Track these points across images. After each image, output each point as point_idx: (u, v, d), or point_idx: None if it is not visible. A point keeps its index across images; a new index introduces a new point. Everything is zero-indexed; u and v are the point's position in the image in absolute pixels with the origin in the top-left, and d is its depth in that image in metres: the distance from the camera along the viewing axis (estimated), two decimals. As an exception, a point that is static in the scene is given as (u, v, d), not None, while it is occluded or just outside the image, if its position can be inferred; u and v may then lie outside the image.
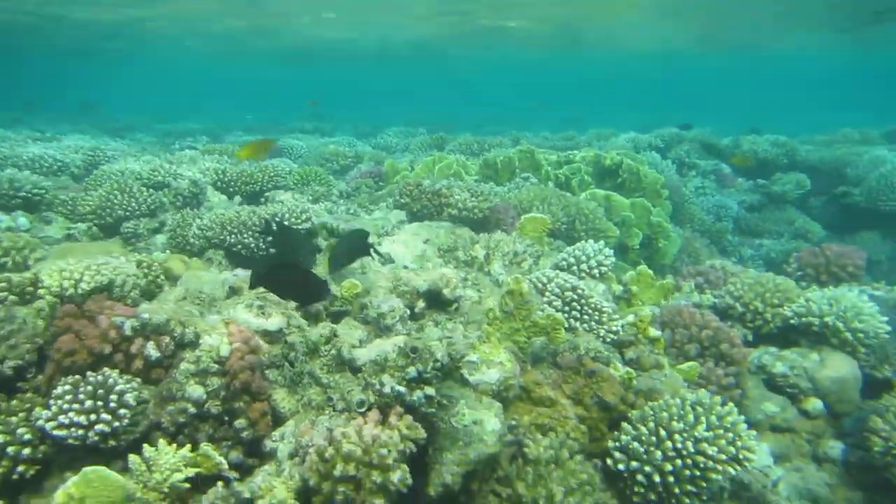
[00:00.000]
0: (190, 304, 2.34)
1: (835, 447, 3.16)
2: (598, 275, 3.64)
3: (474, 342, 2.61)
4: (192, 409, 1.86)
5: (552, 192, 5.60)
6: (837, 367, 3.25)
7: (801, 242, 8.76)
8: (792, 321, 3.42)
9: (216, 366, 1.93)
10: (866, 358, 3.49)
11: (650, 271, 4.41)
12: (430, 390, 2.10)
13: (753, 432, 2.57)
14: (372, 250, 2.96)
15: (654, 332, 3.05)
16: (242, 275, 2.62)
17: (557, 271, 3.06)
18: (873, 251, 8.97)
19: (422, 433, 1.95)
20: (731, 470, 2.47)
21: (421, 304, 2.85)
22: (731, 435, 2.48)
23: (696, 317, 3.34)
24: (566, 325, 2.86)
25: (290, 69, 38.46)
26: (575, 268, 3.62)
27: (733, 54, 28.22)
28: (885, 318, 3.35)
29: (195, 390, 1.87)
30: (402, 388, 2.01)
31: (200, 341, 2.01)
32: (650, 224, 6.50)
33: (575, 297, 2.88)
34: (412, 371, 2.09)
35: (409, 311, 2.79)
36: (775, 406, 3.20)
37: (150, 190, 4.82)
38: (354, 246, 2.92)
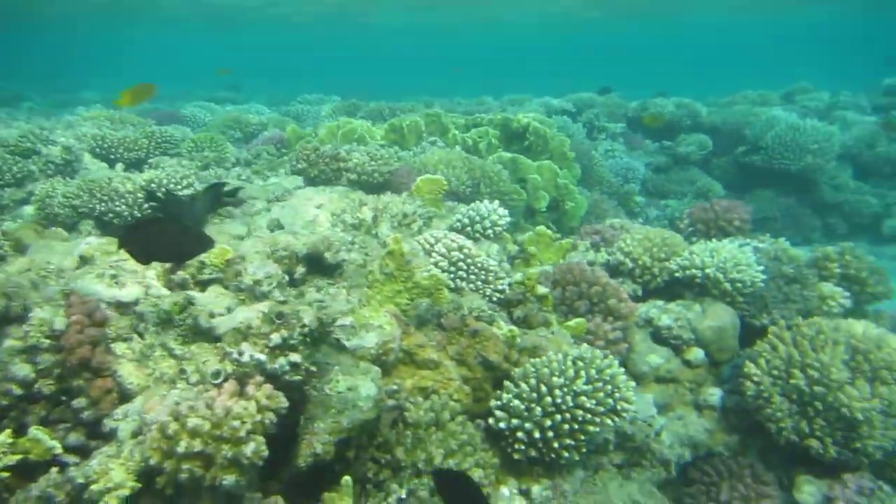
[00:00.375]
0: (29, 276, 2.14)
1: (714, 394, 3.31)
2: (492, 235, 3.63)
3: (354, 306, 2.54)
4: (17, 391, 1.70)
5: (457, 155, 5.54)
6: (717, 317, 3.38)
7: (702, 202, 9.13)
8: (677, 274, 3.52)
9: (48, 341, 1.77)
10: (747, 307, 3.65)
11: (549, 231, 4.45)
12: (295, 357, 2.01)
13: (632, 383, 2.63)
14: (228, 198, 2.82)
15: (541, 289, 3.07)
16: (95, 242, 2.43)
17: (445, 231, 3.01)
18: (768, 208, 9.48)
19: (283, 402, 1.86)
20: (609, 421, 2.52)
21: (301, 269, 2.74)
22: (609, 387, 2.53)
23: (586, 274, 3.38)
24: (452, 286, 2.83)
25: (207, 37, 36.60)
26: (469, 229, 3.59)
27: (654, 21, 28.94)
28: (761, 268, 3.50)
29: (21, 369, 1.70)
30: (262, 356, 1.92)
31: (30, 315, 1.83)
32: (557, 186, 6.57)
33: (461, 256, 2.84)
34: (276, 338, 2.00)
35: (287, 278, 2.68)
36: (660, 358, 3.30)
37: (17, 158, 4.43)
38: (209, 198, 2.77)
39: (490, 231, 3.61)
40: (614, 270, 3.83)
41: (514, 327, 2.59)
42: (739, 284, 3.41)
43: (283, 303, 2.36)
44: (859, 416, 2.74)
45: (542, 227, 4.47)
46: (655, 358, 3.31)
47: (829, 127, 8.97)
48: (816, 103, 10.63)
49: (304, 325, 2.07)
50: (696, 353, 3.37)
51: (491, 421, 2.45)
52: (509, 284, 2.97)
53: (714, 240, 3.90)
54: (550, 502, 2.48)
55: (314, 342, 2.13)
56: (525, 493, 2.46)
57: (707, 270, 3.41)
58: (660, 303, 3.55)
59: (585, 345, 2.72)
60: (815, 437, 2.91)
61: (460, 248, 2.85)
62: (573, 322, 3.10)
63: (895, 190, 9.36)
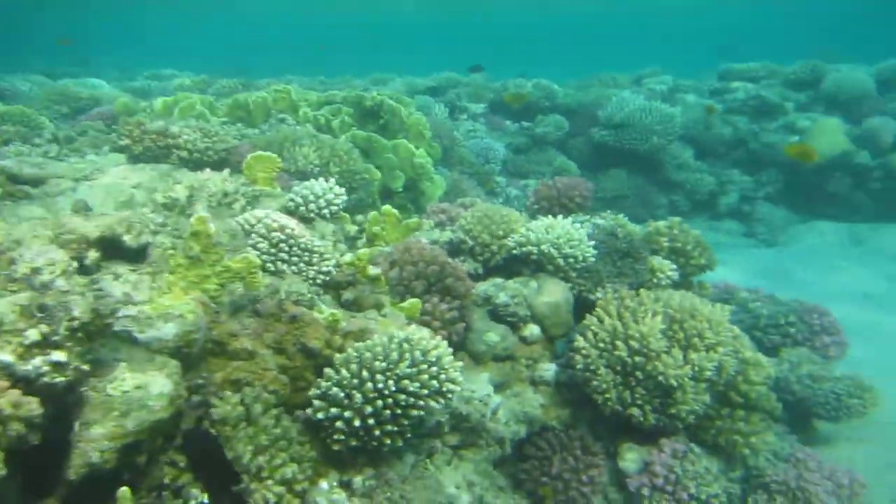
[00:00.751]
0: None
1: (548, 369, 3.38)
2: (328, 215, 3.46)
3: (151, 294, 2.29)
4: None
5: (304, 133, 5.29)
6: (552, 293, 3.45)
7: (560, 181, 9.47)
8: (514, 251, 3.55)
9: None
10: (583, 282, 3.76)
11: (394, 211, 4.36)
12: (59, 356, 1.76)
13: (459, 363, 2.59)
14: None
15: (373, 270, 2.96)
16: None
17: (268, 211, 2.81)
18: (621, 187, 10.03)
19: (35, 409, 1.61)
20: (434, 403, 2.47)
21: (94, 254, 2.44)
22: (434, 369, 2.47)
23: (423, 253, 3.31)
24: (272, 269, 2.65)
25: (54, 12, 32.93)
26: (303, 208, 3.40)
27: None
28: (592, 243, 3.62)
29: None
30: (7, 357, 1.65)
31: None
32: (414, 166, 6.50)
33: (283, 237, 2.66)
34: (33, 334, 1.73)
35: (76, 264, 2.38)
36: (496, 335, 3.31)
37: None
38: None
39: (326, 211, 3.44)
40: (457, 249, 3.80)
41: (336, 311, 2.46)
42: (572, 260, 3.50)
43: (65, 293, 2.08)
44: (673, 383, 2.90)
45: (387, 207, 4.37)
46: (493, 336, 3.32)
47: (671, 109, 9.60)
48: (661, 86, 11.34)
49: (73, 318, 1.82)
50: (532, 330, 3.42)
51: (309, 411, 2.31)
52: (337, 266, 2.83)
53: (560, 217, 3.99)
54: (374, 492, 2.39)
55: (89, 337, 1.88)
56: (347, 485, 2.36)
57: (542, 247, 3.46)
58: (499, 280, 3.57)
59: (413, 326, 2.65)
60: (636, 406, 3.04)
61: (282, 229, 2.67)
62: (407, 303, 3.03)
63: (728, 169, 10.21)
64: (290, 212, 3.40)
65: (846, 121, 9.73)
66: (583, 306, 3.68)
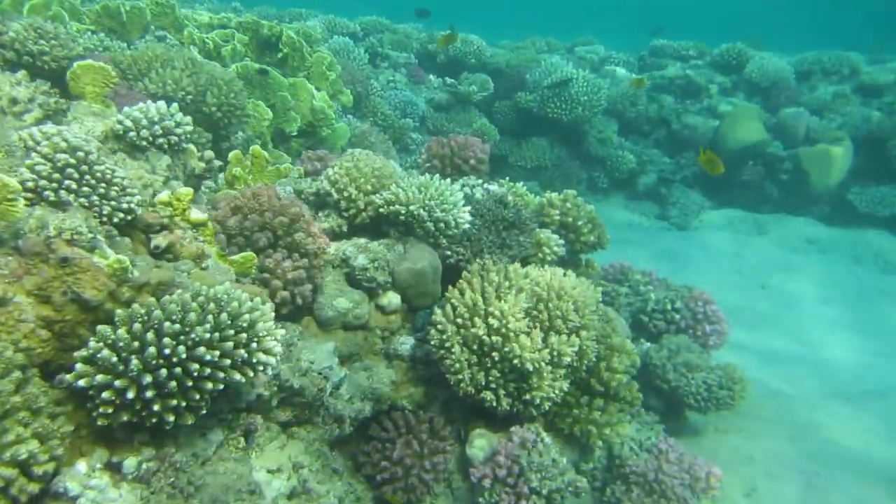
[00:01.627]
0: None
1: (405, 343, 3.10)
2: (165, 145, 3.00)
3: None
4: None
5: (179, 54, 4.71)
6: (417, 259, 3.15)
7: (485, 140, 9.17)
8: (381, 210, 3.22)
9: None
10: (460, 251, 3.49)
11: (265, 153, 3.93)
12: None
13: (280, 331, 2.26)
14: None
15: (195, 214, 2.56)
16: None
17: (62, 129, 2.34)
18: (541, 157, 9.84)
19: None
20: (238, 376, 2.13)
21: None
22: (244, 336, 2.13)
23: (273, 202, 2.93)
24: (52, 198, 2.20)
25: None
26: (132, 134, 2.92)
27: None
28: (468, 209, 3.33)
29: None
30: None
31: None
32: (313, 110, 6.03)
33: (73, 161, 2.21)
34: None
35: None
36: (348, 301, 2.99)
37: None
38: None
39: (163, 140, 2.98)
40: (322, 202, 3.43)
41: (122, 257, 2.06)
42: (443, 225, 3.20)
43: None
44: (529, 367, 2.67)
45: (256, 147, 3.93)
46: (344, 302, 2.99)
47: (598, 80, 9.41)
48: (592, 56, 11.15)
49: None
50: (392, 298, 3.12)
51: (69, 377, 1.92)
52: (149, 204, 2.41)
53: (437, 177, 3.67)
54: (154, 476, 2.05)
55: None
56: (116, 467, 2.00)
57: (411, 207, 3.14)
58: (362, 241, 3.24)
59: (227, 283, 2.28)
60: (490, 390, 2.81)
61: (72, 150, 2.21)
62: (239, 256, 2.65)
63: (650, 149, 10.19)
64: (117, 136, 2.93)
65: (765, 108, 9.84)
66: (458, 277, 3.41)
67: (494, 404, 2.82)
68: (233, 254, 2.78)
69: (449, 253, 3.48)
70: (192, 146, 3.22)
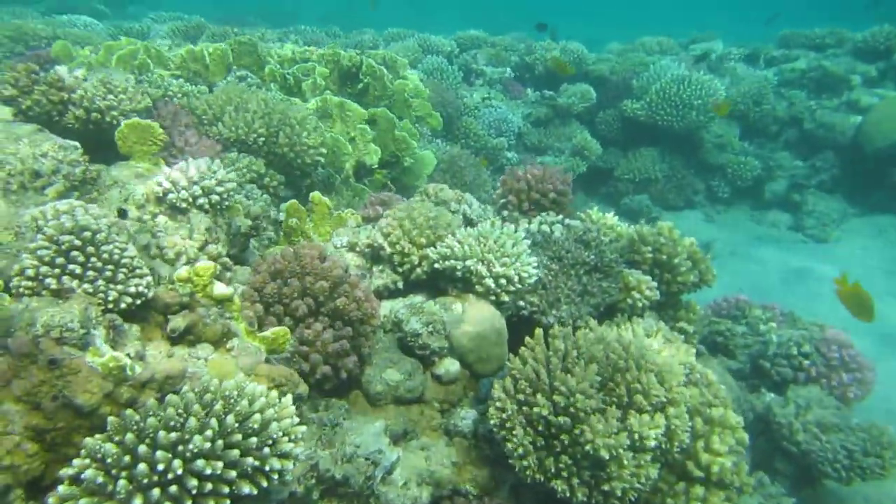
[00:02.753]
0: None
1: (466, 418, 2.75)
2: (206, 205, 2.86)
3: None
4: None
5: (253, 95, 4.68)
6: (477, 321, 2.79)
7: (578, 161, 8.65)
8: (437, 265, 2.89)
9: None
10: (534, 302, 3.09)
11: (325, 200, 3.74)
12: None
13: (300, 428, 2.00)
14: None
15: (220, 290, 2.36)
16: None
17: (76, 204, 2.21)
18: (650, 169, 9.13)
19: None
20: (247, 489, 1.88)
21: None
22: (255, 440, 1.88)
23: (314, 263, 2.69)
24: (53, 286, 2.06)
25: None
26: (173, 195, 2.80)
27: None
28: (534, 260, 2.92)
29: None
30: None
31: None
32: (396, 139, 5.85)
33: (78, 243, 2.06)
34: None
35: None
36: (400, 374, 2.69)
37: None
38: None
39: (204, 200, 2.84)
40: (377, 255, 3.17)
41: (119, 354, 1.87)
42: (504, 281, 2.82)
43: None
44: (604, 454, 2.23)
45: (317, 194, 3.75)
46: (395, 374, 2.69)
47: (714, 81, 8.59)
48: (707, 52, 10.24)
49: None
50: (449, 366, 2.79)
51: (51, 501, 1.74)
52: (148, 284, 2.21)
53: (533, 218, 3.32)
54: None
55: None
56: None
57: (468, 262, 2.79)
58: (418, 299, 2.93)
59: (241, 375, 2.04)
60: (561, 478, 2.39)
61: (80, 231, 2.06)
62: (270, 332, 2.42)
63: (778, 152, 9.17)
64: (158, 199, 2.82)
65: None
66: (532, 331, 3.01)
67: (568, 495, 2.40)
68: (271, 324, 2.57)
69: (522, 304, 3.10)
70: (238, 203, 3.07)
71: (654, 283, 3.35)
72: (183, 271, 2.31)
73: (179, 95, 4.85)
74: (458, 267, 2.81)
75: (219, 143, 4.25)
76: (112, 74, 3.77)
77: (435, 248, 2.91)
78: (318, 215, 3.70)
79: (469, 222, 3.56)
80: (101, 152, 3.28)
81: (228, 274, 2.86)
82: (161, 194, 2.81)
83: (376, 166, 5.61)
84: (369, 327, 2.73)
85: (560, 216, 3.70)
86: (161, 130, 3.12)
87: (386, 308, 2.94)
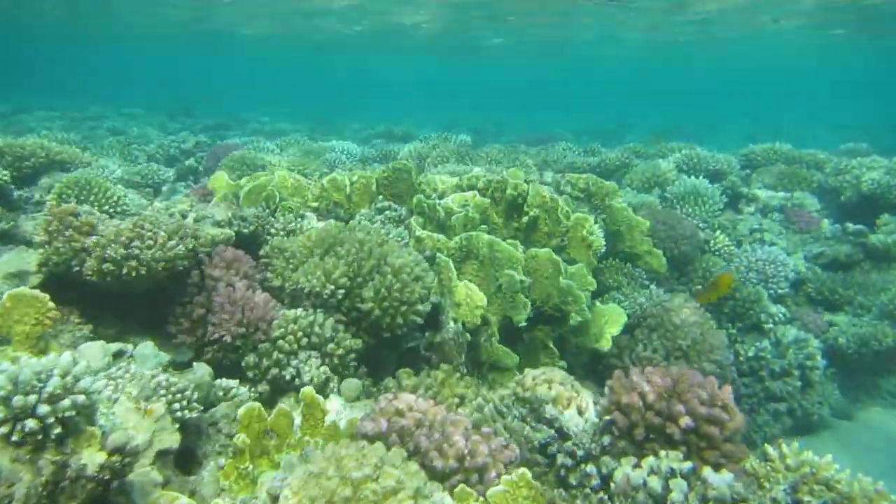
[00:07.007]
0: None
1: None
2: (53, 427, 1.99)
3: None
4: None
5: (351, 236, 4.00)
6: None
7: (887, 328, 6.11)
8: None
9: None
10: None
11: (321, 399, 2.74)
12: None
13: None
14: None
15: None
16: None
17: None
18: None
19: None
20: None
21: None
22: None
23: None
24: None
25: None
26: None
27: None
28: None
29: None
30: None
31: None
32: (560, 289, 4.59)
33: None
34: None
35: None
36: None
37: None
38: None
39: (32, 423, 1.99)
40: None
41: None
42: None
43: None
44: None
45: (308, 390, 2.71)
46: None
47: None
48: None
49: None
50: None
51: None
52: None
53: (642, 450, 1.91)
54: None
55: None
56: None
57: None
58: None
59: None
60: None
61: None
62: None
63: None
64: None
65: None
66: None
67: None
68: None
69: None
70: (95, 428, 2.09)
71: None
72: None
73: (283, 234, 4.38)
74: None
75: (277, 297, 3.60)
76: (160, 214, 3.34)
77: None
78: (309, 423, 2.63)
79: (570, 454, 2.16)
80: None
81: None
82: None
83: (523, 324, 4.38)
84: None
85: (688, 464, 2.07)
86: (51, 306, 2.44)
87: None
